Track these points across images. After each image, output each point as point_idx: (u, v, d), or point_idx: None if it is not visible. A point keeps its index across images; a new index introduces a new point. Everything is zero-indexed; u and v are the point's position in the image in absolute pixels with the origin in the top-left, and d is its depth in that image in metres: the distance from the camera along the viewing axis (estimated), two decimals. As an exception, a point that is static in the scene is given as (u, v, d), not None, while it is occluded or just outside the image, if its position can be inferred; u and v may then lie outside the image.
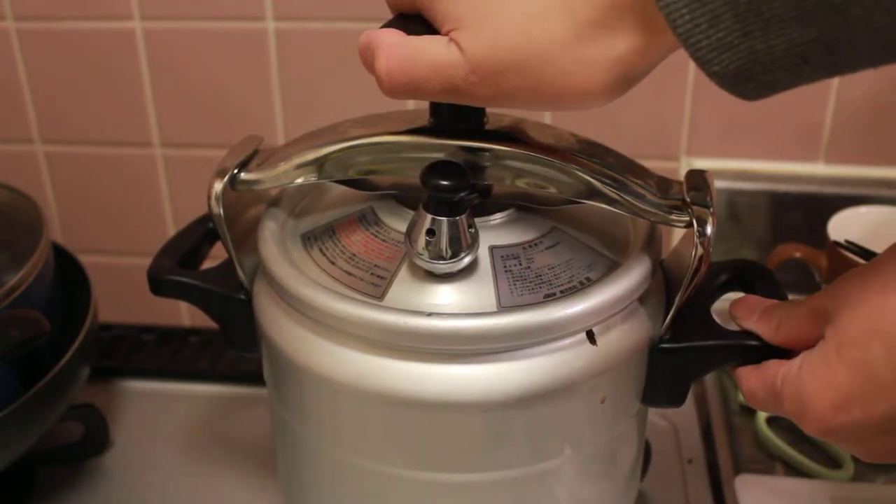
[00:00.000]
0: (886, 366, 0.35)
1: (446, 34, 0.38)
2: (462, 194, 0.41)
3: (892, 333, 0.35)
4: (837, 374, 0.37)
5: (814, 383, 0.38)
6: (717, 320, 0.46)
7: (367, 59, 0.40)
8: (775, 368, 0.42)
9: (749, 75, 0.34)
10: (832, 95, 0.76)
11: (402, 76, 0.38)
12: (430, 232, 0.41)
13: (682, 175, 0.47)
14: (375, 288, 0.44)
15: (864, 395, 0.36)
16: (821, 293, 0.41)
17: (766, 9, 0.31)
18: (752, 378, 0.43)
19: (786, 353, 0.42)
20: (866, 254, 0.66)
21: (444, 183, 0.41)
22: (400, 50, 0.38)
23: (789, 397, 0.40)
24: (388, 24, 0.41)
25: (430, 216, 0.41)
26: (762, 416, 0.68)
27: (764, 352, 0.43)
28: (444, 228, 0.41)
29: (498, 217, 0.47)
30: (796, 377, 0.39)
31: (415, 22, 0.41)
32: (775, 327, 0.43)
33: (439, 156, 0.44)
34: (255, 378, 0.52)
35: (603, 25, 0.35)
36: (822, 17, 0.31)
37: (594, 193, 0.44)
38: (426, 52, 0.38)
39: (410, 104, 0.42)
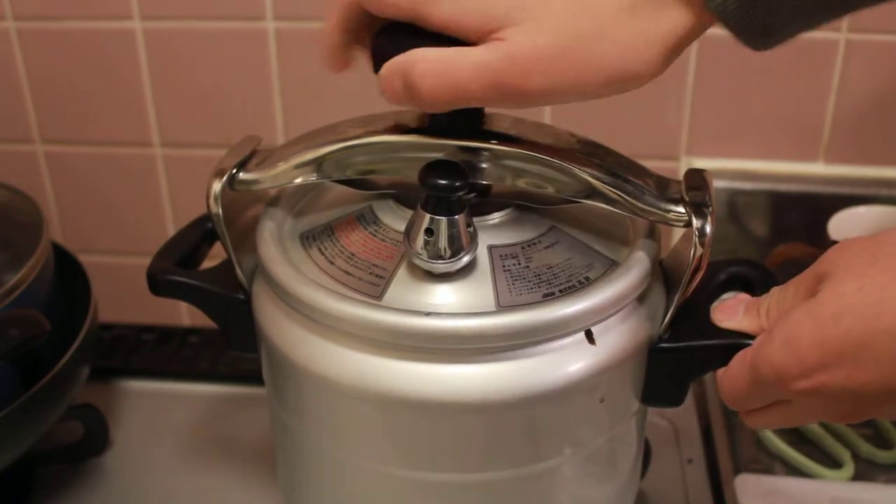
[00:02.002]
0: (887, 338, 0.35)
1: (484, 40, 0.38)
2: (460, 193, 0.41)
3: None
4: (832, 338, 0.37)
5: (805, 344, 0.37)
6: (717, 320, 0.46)
7: (396, 85, 0.40)
8: (744, 352, 0.41)
9: (771, 30, 0.36)
10: (832, 95, 0.76)
11: (445, 82, 0.38)
12: (429, 231, 0.41)
13: (681, 175, 0.47)
14: (374, 287, 0.44)
15: (856, 361, 0.36)
16: (811, 267, 0.40)
17: None
18: (729, 368, 0.43)
19: None
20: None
21: (443, 182, 0.41)
22: (433, 59, 0.38)
23: (767, 358, 0.39)
24: (380, 34, 0.41)
25: (428, 215, 0.41)
26: (762, 415, 0.68)
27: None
28: (443, 228, 0.41)
29: (496, 216, 0.47)
30: (781, 335, 0.39)
31: (404, 33, 0.40)
32: (764, 315, 0.42)
33: (438, 155, 0.44)
34: (255, 378, 0.52)
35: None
36: None
37: (593, 193, 0.44)
38: (463, 56, 0.38)
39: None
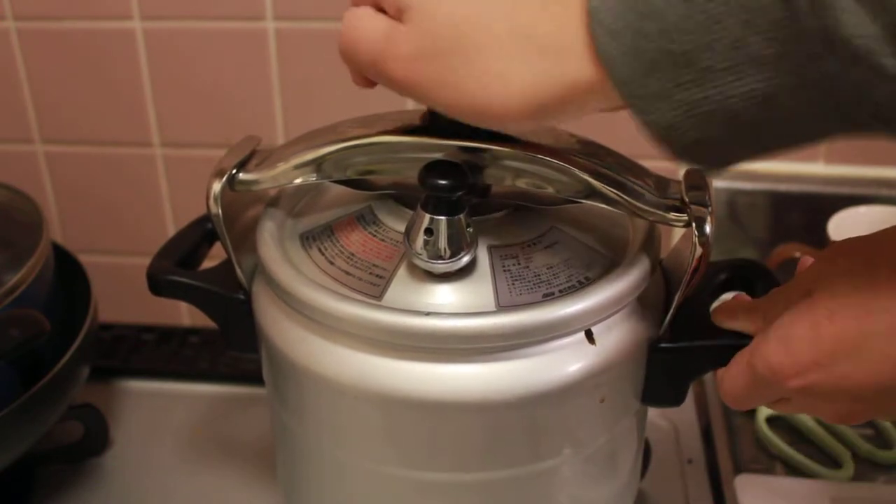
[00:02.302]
0: (881, 337, 0.35)
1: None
2: (460, 193, 0.41)
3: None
4: (827, 337, 0.37)
5: (800, 342, 0.38)
6: (717, 320, 0.46)
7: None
8: (742, 351, 0.42)
9: (685, 129, 0.33)
10: (832, 95, 0.76)
11: (346, 38, 0.40)
12: (429, 231, 0.41)
13: (681, 175, 0.47)
14: (374, 287, 0.44)
15: (850, 360, 0.36)
16: (808, 268, 0.41)
17: (702, 58, 0.30)
18: (728, 368, 0.43)
19: None
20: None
21: (442, 182, 0.41)
22: (352, 17, 0.40)
23: (763, 357, 0.39)
24: None
25: (428, 215, 0.41)
26: (762, 415, 0.68)
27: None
28: (443, 228, 0.41)
29: (496, 216, 0.47)
30: (778, 333, 0.39)
31: None
32: (763, 314, 0.43)
33: (437, 156, 0.44)
34: (255, 378, 0.52)
35: (537, 40, 0.34)
36: (755, 70, 0.30)
37: (593, 193, 0.44)
38: (367, 20, 0.38)
39: (410, 104, 0.42)
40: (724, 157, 0.34)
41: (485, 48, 0.35)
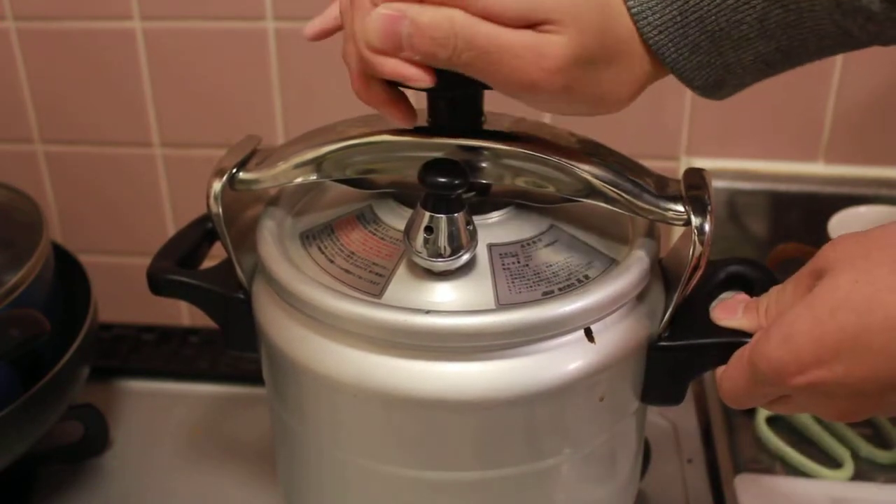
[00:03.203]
0: (882, 332, 0.35)
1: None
2: (460, 191, 0.41)
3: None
4: (828, 333, 0.37)
5: (801, 339, 0.38)
6: (716, 319, 0.46)
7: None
8: (742, 349, 0.42)
9: (723, 84, 0.43)
10: (832, 95, 0.76)
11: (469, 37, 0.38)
12: (429, 229, 0.41)
13: (681, 174, 0.47)
14: (374, 286, 0.44)
15: (852, 356, 0.36)
16: (808, 264, 0.40)
17: (735, 32, 0.40)
18: (727, 366, 0.43)
19: None
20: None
21: (442, 180, 0.41)
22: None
23: (765, 355, 0.39)
24: None
25: (427, 213, 0.41)
26: (762, 416, 0.68)
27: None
28: (442, 226, 0.41)
29: (496, 215, 0.47)
30: (777, 332, 0.39)
31: None
32: (763, 313, 0.42)
33: (438, 155, 0.44)
34: (255, 378, 0.52)
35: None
36: (780, 32, 0.39)
37: (593, 192, 0.44)
38: (511, 37, 0.39)
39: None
40: (746, 86, 0.44)
41: (611, 51, 0.40)
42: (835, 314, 0.37)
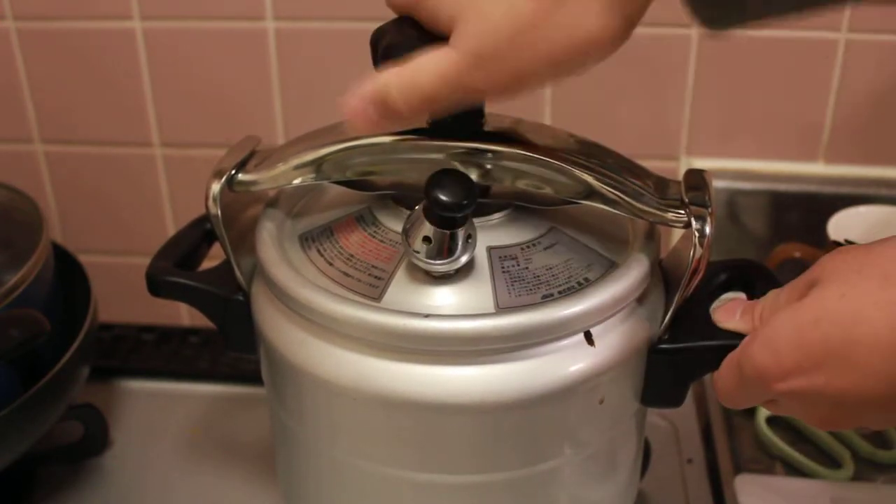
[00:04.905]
0: (864, 347, 0.35)
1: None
2: (466, 212, 0.41)
3: (883, 324, 0.35)
4: (811, 343, 0.37)
5: (784, 346, 0.37)
6: (716, 320, 0.46)
7: (370, 113, 0.40)
8: (733, 352, 0.42)
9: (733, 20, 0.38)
10: (832, 95, 0.76)
11: (416, 95, 0.38)
12: (427, 239, 0.41)
13: (681, 175, 0.47)
14: (373, 289, 0.44)
15: (834, 369, 0.36)
16: (806, 273, 0.40)
17: None
18: (720, 367, 0.43)
19: None
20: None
21: (449, 201, 0.40)
22: (402, 76, 0.38)
23: (749, 358, 0.39)
24: (384, 28, 0.41)
25: (429, 225, 0.41)
26: (762, 416, 0.68)
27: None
28: (444, 238, 0.41)
29: (496, 217, 0.46)
30: (764, 336, 0.39)
31: (408, 25, 0.40)
32: (758, 316, 0.42)
33: (437, 156, 0.44)
34: (255, 378, 0.52)
35: None
36: None
37: (592, 194, 0.44)
38: (426, 64, 0.38)
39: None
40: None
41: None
42: (819, 324, 0.36)
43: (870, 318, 0.35)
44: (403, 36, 0.40)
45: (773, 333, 0.38)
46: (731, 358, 0.41)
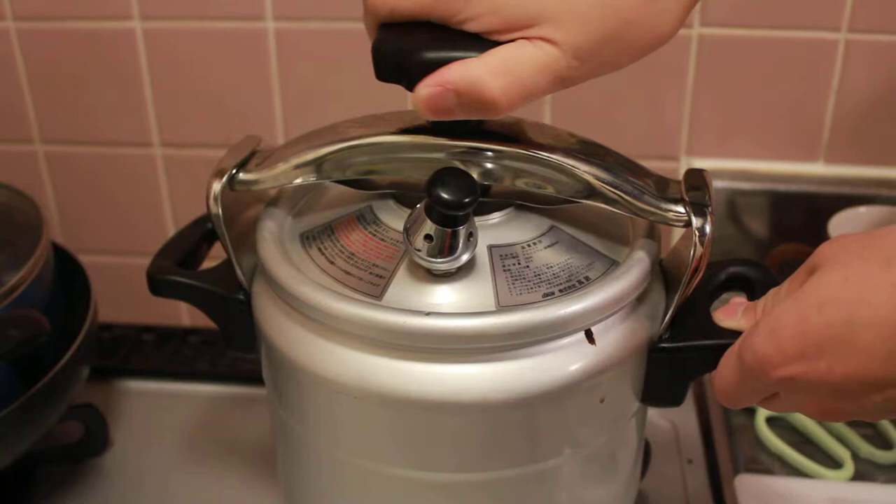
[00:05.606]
0: (867, 330, 0.36)
1: (517, 37, 0.39)
2: (468, 210, 0.41)
3: (885, 305, 0.35)
4: (814, 328, 0.37)
5: (787, 333, 0.38)
6: (717, 320, 0.46)
7: (449, 101, 0.40)
8: (732, 346, 0.42)
9: None
10: (832, 95, 0.76)
11: (518, 89, 0.40)
12: (429, 237, 0.41)
13: (681, 175, 0.47)
14: (374, 287, 0.44)
15: (836, 352, 0.36)
16: (805, 263, 0.40)
17: None
18: (719, 364, 0.43)
19: None
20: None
21: (451, 199, 0.40)
22: (495, 67, 0.39)
23: (751, 347, 0.39)
24: (381, 35, 0.41)
25: (430, 223, 0.41)
26: (762, 416, 0.68)
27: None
28: (445, 236, 0.41)
29: (496, 216, 0.47)
30: (766, 323, 0.39)
31: (422, 30, 0.40)
32: (760, 312, 0.42)
33: (438, 155, 0.44)
34: (255, 378, 0.52)
35: None
36: None
37: (593, 193, 0.44)
38: (523, 59, 0.39)
39: (409, 104, 0.42)
40: None
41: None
42: (822, 310, 0.37)
43: (872, 301, 0.35)
44: (439, 41, 0.40)
45: (775, 322, 0.38)
46: (729, 353, 0.42)
